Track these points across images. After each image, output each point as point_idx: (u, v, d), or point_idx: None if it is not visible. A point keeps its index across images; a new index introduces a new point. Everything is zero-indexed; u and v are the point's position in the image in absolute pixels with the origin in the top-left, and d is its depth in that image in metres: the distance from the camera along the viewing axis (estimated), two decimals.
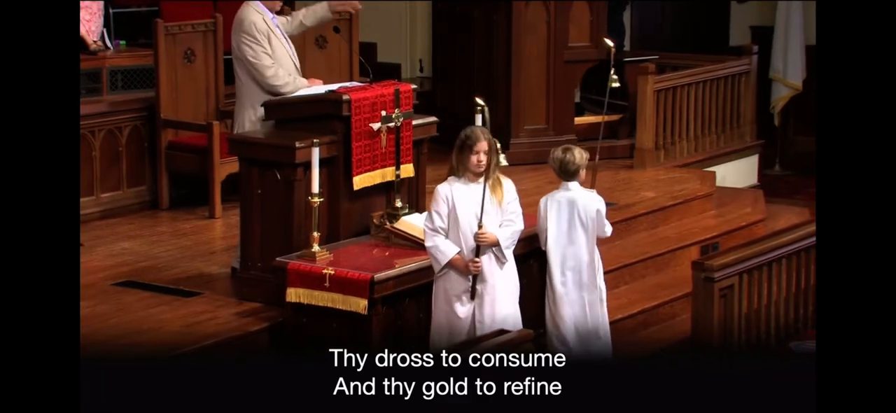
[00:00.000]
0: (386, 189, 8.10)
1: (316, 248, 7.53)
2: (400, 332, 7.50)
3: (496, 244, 7.20)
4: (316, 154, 7.51)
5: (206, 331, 7.52)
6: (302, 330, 7.52)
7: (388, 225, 7.86)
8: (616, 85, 8.75)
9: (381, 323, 7.36)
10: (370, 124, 7.89)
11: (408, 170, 8.15)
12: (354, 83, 8.72)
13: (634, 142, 11.13)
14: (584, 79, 11.42)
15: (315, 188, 7.52)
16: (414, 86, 8.42)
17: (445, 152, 10.43)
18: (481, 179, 7.20)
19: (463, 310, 7.19)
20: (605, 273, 9.29)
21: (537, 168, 10.80)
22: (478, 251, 7.19)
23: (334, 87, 8.22)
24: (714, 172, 11.06)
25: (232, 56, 8.38)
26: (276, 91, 8.26)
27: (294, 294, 7.45)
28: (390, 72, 11.55)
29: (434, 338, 7.28)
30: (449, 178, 7.28)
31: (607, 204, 9.83)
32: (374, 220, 7.94)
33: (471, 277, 7.17)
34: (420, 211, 8.11)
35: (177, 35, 10.09)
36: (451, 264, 7.15)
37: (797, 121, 13.80)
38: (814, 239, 8.81)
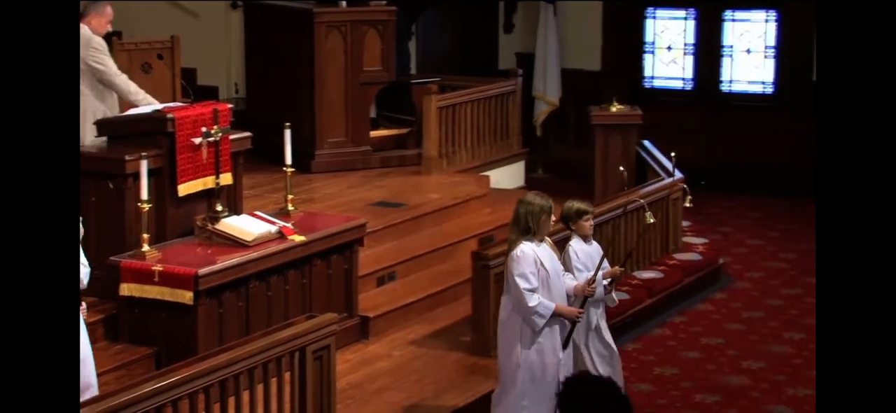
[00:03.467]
0: (207, 195, 7.97)
1: (146, 247, 7.36)
2: (221, 320, 7.40)
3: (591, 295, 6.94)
4: (144, 165, 7.35)
5: None
6: (134, 320, 7.35)
7: (210, 226, 7.73)
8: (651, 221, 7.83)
9: (206, 312, 7.24)
10: (192, 139, 7.76)
11: (227, 178, 8.03)
12: (178, 103, 8.57)
13: (421, 151, 11.20)
14: (378, 97, 11.45)
15: (144, 195, 7.36)
16: (230, 105, 8.32)
17: (259, 163, 10.36)
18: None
19: (560, 355, 6.77)
20: (401, 263, 9.40)
21: (339, 175, 10.79)
22: (584, 302, 6.89)
23: (160, 106, 8.08)
24: (488, 176, 11.22)
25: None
26: (127, 98, 8.21)
27: (126, 289, 7.28)
28: (209, 94, 11.36)
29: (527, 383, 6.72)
30: (522, 242, 6.66)
31: (398, 205, 9.98)
32: (198, 222, 7.81)
33: (568, 325, 6.79)
34: (238, 214, 8.00)
35: None
36: (555, 313, 6.68)
37: (556, 132, 14.09)
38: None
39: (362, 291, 8.59)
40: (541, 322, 6.65)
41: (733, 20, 13.60)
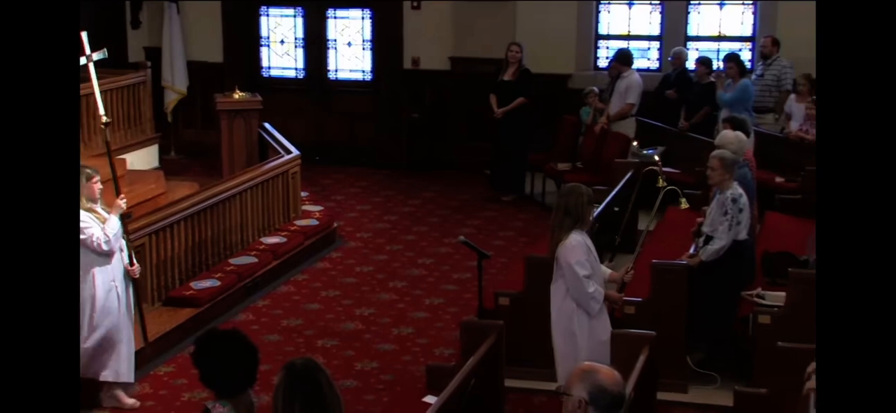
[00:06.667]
0: None
1: None
2: None
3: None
4: None
5: None
6: None
7: None
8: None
9: None
10: None
11: None
12: None
13: None
14: None
15: None
16: None
17: None
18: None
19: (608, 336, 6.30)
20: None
21: None
22: (622, 288, 6.44)
23: None
24: (125, 159, 10.88)
25: None
26: None
27: None
28: None
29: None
30: (574, 231, 6.19)
31: None
32: None
33: (611, 311, 6.32)
34: None
35: None
36: (606, 299, 6.26)
37: (185, 117, 13.87)
38: (203, 203, 8.95)
39: None
40: (596, 307, 6.28)
41: (335, 17, 13.90)
